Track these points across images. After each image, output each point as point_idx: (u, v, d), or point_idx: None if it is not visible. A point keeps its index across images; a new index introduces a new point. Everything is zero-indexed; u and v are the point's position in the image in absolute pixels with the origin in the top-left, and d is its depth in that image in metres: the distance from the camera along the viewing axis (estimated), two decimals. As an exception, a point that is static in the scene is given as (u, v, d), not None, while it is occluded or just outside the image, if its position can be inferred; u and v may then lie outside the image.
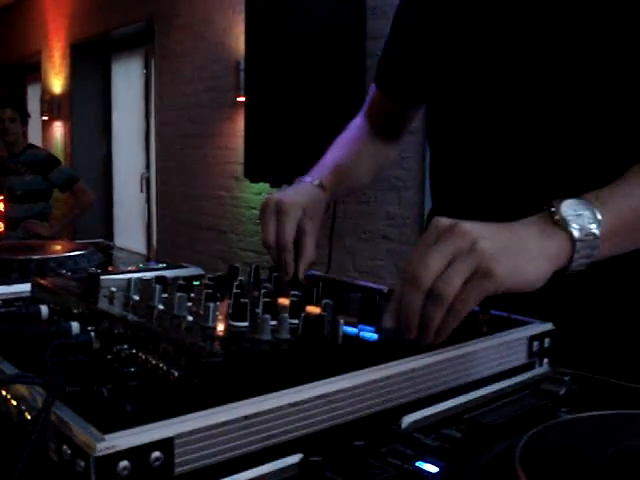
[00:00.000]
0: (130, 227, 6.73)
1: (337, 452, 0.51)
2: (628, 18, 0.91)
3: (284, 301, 0.80)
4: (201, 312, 0.71)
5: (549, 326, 0.83)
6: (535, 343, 0.81)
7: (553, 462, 0.43)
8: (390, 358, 0.67)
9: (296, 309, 0.74)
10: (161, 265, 1.23)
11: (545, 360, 0.82)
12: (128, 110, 6.73)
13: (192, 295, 0.79)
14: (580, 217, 0.74)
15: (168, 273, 0.99)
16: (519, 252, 0.71)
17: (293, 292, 0.83)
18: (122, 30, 6.32)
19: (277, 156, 3.20)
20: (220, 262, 4.84)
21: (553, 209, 0.75)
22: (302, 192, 1.13)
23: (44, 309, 0.80)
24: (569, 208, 0.74)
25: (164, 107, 5.70)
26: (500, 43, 1.02)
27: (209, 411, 0.54)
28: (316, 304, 0.80)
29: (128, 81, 6.74)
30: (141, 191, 6.46)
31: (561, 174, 0.98)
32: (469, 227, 0.71)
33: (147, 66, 6.32)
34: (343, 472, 0.47)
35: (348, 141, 1.34)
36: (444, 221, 0.72)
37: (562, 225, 0.74)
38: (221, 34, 4.84)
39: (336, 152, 1.30)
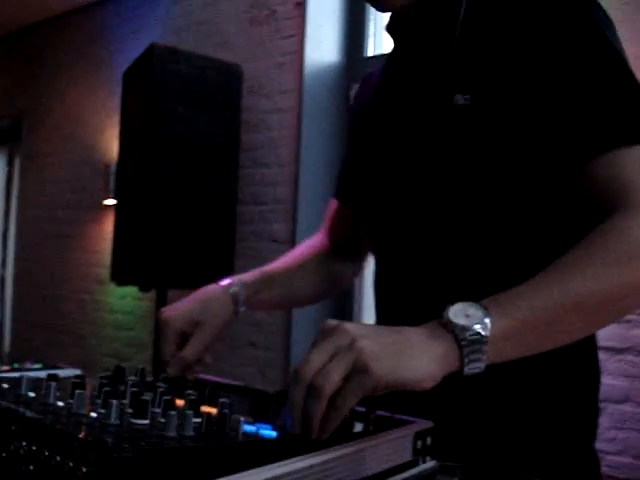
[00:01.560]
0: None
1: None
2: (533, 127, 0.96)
3: (179, 401, 0.81)
4: (101, 410, 0.71)
5: (430, 424, 0.88)
6: (419, 441, 0.85)
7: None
8: (289, 455, 0.69)
9: (195, 407, 0.75)
10: (37, 365, 1.21)
11: (427, 457, 0.86)
12: (-15, 208, 6.48)
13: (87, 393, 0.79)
14: (467, 318, 0.76)
15: (44, 374, 0.97)
16: (401, 351, 0.74)
17: (187, 393, 0.85)
18: (-15, 126, 6.17)
19: (146, 260, 3.18)
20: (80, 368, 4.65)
21: (443, 312, 0.78)
22: (197, 298, 1.16)
23: None
24: (458, 310, 0.77)
25: (26, 206, 5.55)
26: (412, 155, 1.09)
27: (119, 506, 0.54)
28: (210, 404, 0.82)
29: (-13, 178, 6.52)
30: (-6, 292, 6.16)
31: (476, 273, 1.02)
32: (350, 326, 0.74)
33: (10, 163, 6.16)
34: None
35: (293, 253, 1.35)
36: (330, 322, 0.76)
37: (448, 326, 0.76)
38: (92, 136, 4.84)
39: (276, 262, 1.31)
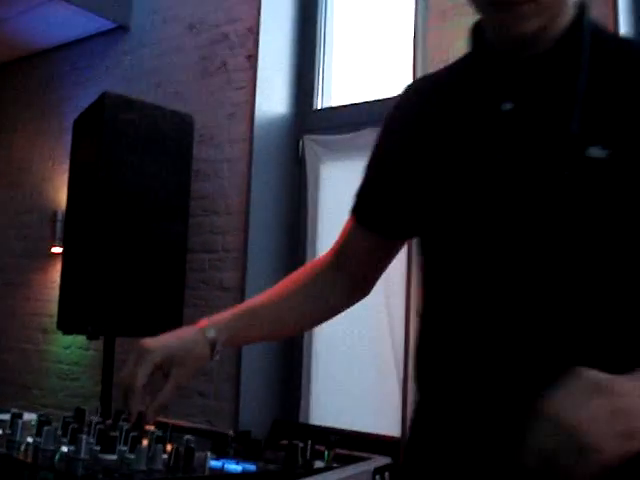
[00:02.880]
0: None
1: None
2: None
3: (145, 440, 0.83)
4: (69, 446, 0.72)
5: (388, 460, 0.91)
6: (377, 476, 0.88)
7: None
8: (255, 488, 0.71)
9: (161, 443, 0.77)
10: (-8, 410, 1.20)
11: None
12: None
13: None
14: None
15: (3, 416, 0.97)
16: None
17: (149, 432, 0.86)
18: None
19: (95, 307, 3.15)
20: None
21: None
22: (176, 337, 1.15)
23: None
24: None
25: (-32, 254, 5.43)
26: (495, 198, 0.98)
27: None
28: (173, 442, 0.83)
29: None
30: None
31: (561, 335, 0.91)
32: (615, 383, 0.72)
33: (-48, 211, 6.05)
34: None
35: (290, 278, 1.27)
36: (591, 376, 0.73)
37: None
38: (39, 184, 4.80)
39: (268, 290, 1.25)
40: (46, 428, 0.73)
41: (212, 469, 0.74)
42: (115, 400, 1.12)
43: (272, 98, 3.59)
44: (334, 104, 3.56)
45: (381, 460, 0.89)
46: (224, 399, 3.44)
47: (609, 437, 0.67)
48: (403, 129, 1.16)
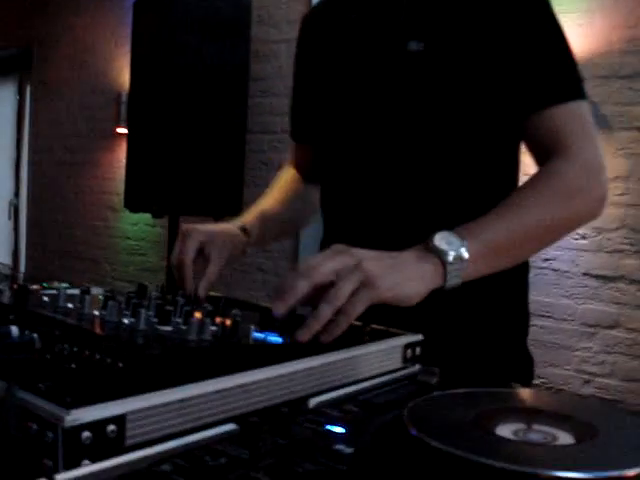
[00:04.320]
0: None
1: (266, 417, 0.64)
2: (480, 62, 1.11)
3: (198, 313, 0.92)
4: (131, 318, 0.82)
5: (419, 337, 0.99)
6: (408, 350, 0.97)
7: (432, 418, 0.58)
8: (293, 357, 0.80)
9: (211, 318, 0.86)
10: (64, 285, 1.32)
11: (417, 365, 0.98)
12: (-3, 135, 6.55)
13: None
14: (450, 244, 0.91)
15: (74, 291, 1.08)
16: (399, 272, 0.88)
17: (204, 306, 0.96)
18: (-5, 54, 6.20)
19: (159, 187, 3.28)
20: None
21: (429, 240, 0.91)
22: (218, 226, 1.26)
23: (-23, 317, 0.88)
24: (442, 238, 0.92)
25: (38, 134, 5.62)
26: (366, 96, 1.20)
27: (152, 394, 0.65)
28: (224, 316, 0.92)
29: (-1, 106, 6.57)
30: (9, 218, 6.29)
31: (429, 200, 1.16)
32: (356, 250, 0.87)
33: (21, 92, 6.21)
34: (273, 432, 0.60)
35: (277, 188, 1.46)
36: (339, 246, 0.88)
37: (435, 251, 0.91)
38: (103, 65, 4.88)
39: (265, 199, 1.42)
40: (110, 303, 0.83)
41: (255, 340, 0.83)
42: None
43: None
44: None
45: (412, 336, 0.97)
46: (283, 275, 3.59)
47: (343, 287, 0.82)
48: (306, 55, 1.39)
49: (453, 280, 0.91)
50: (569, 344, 2.81)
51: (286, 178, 1.49)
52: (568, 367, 2.81)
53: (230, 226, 1.28)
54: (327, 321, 0.83)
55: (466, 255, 0.92)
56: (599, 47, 2.72)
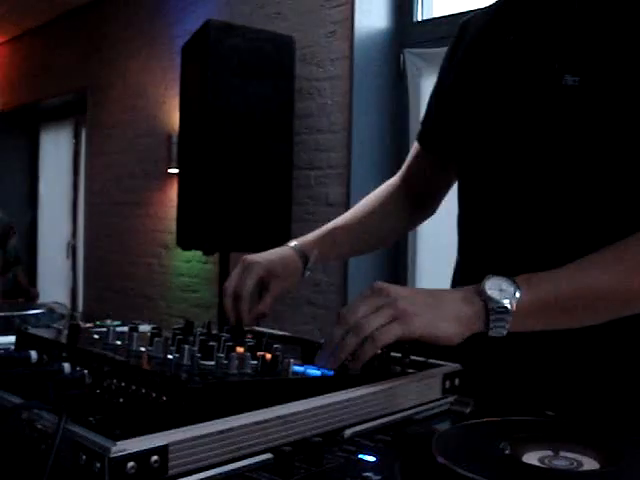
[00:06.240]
0: (55, 293, 6.69)
1: (300, 447, 0.67)
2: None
3: (240, 348, 0.96)
4: (175, 354, 0.86)
5: (458, 367, 1.00)
6: (447, 381, 0.98)
7: (459, 446, 0.60)
8: (331, 390, 0.83)
9: (252, 352, 0.90)
10: (116, 322, 1.37)
11: (455, 396, 0.99)
12: (55, 179, 6.78)
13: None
14: (501, 292, 0.89)
15: (124, 328, 1.13)
16: (436, 311, 0.88)
17: (246, 341, 0.99)
18: (52, 100, 6.43)
19: (210, 225, 3.36)
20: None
21: (481, 282, 0.90)
22: (275, 254, 1.27)
23: (33, 353, 0.93)
24: (494, 283, 0.90)
25: (94, 176, 5.80)
26: (515, 122, 1.15)
27: (193, 426, 0.68)
28: (266, 351, 0.96)
29: (56, 150, 6.81)
30: (67, 258, 6.47)
31: (569, 235, 1.09)
32: (394, 288, 0.89)
33: (77, 136, 6.43)
34: (307, 460, 0.63)
35: (366, 200, 1.43)
36: (378, 283, 0.90)
37: (482, 295, 0.89)
38: (154, 107, 5.02)
39: (344, 215, 1.41)
40: (156, 339, 0.88)
41: (295, 373, 0.86)
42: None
43: (372, 13, 3.59)
44: (435, 14, 3.52)
45: (451, 367, 0.99)
46: (332, 308, 3.62)
47: (372, 319, 0.84)
48: (457, 63, 1.32)
49: (497, 330, 0.89)
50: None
51: (384, 188, 1.44)
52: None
53: (289, 252, 1.28)
54: (353, 350, 0.85)
55: (512, 307, 0.88)
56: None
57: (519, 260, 1.12)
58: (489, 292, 0.89)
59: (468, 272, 1.26)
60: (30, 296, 4.22)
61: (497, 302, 0.88)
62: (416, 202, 1.45)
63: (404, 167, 1.45)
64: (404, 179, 1.45)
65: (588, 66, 1.06)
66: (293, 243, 1.31)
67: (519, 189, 1.14)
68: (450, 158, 1.34)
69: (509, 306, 0.88)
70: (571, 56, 1.08)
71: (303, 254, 1.29)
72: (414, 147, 1.43)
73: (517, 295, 0.89)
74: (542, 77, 1.11)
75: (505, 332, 0.89)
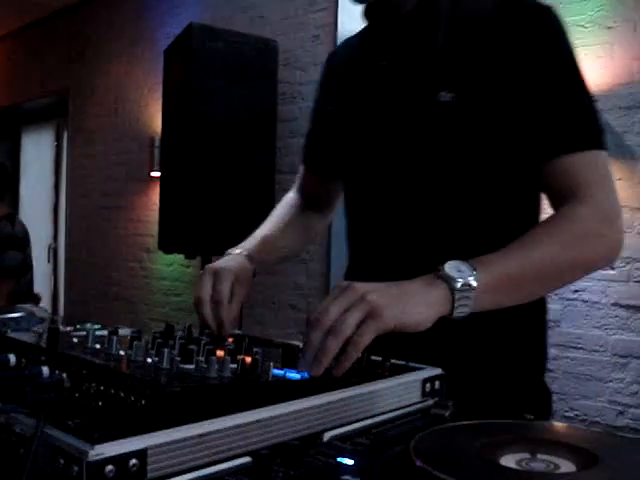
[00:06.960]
0: (35, 297, 6.65)
1: (278, 451, 0.67)
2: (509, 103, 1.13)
3: (220, 351, 0.96)
4: (155, 357, 0.86)
5: (438, 371, 1.01)
6: (427, 384, 0.99)
7: (437, 449, 0.61)
8: (310, 393, 0.83)
9: (232, 356, 0.90)
10: (97, 326, 1.36)
11: (433, 399, 0.99)
12: (36, 182, 6.73)
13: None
14: (460, 272, 0.93)
15: (104, 332, 1.12)
16: (405, 300, 0.90)
17: (226, 344, 0.99)
18: (34, 102, 6.39)
19: (191, 229, 3.35)
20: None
21: (439, 267, 0.94)
22: (232, 261, 1.29)
23: (12, 357, 0.93)
24: (452, 266, 0.94)
25: (75, 179, 5.77)
26: (390, 141, 1.24)
27: (172, 430, 0.68)
28: (245, 354, 0.96)
29: (38, 153, 6.76)
30: (48, 261, 6.43)
31: (452, 237, 1.19)
32: (360, 284, 0.90)
33: (58, 138, 6.39)
34: (285, 464, 0.63)
35: (277, 215, 1.52)
36: (341, 282, 0.92)
37: (444, 278, 0.92)
38: (136, 111, 5.01)
39: (265, 225, 1.48)
40: (136, 343, 0.87)
41: (275, 376, 0.86)
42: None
43: (356, 17, 3.59)
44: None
45: (432, 371, 0.99)
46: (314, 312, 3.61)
47: (347, 320, 0.85)
48: (332, 90, 1.41)
49: (461, 309, 0.93)
50: (601, 375, 2.78)
51: (287, 204, 1.54)
52: (601, 399, 2.77)
53: (242, 259, 1.31)
54: (336, 354, 0.85)
55: (475, 284, 0.93)
56: (620, 78, 2.73)
57: (401, 263, 1.21)
58: (450, 274, 0.93)
59: (357, 276, 1.34)
60: (37, 301, 4.26)
61: (460, 281, 0.92)
62: (314, 209, 1.56)
63: (297, 183, 1.58)
64: (300, 193, 1.57)
65: (463, 82, 1.15)
66: (238, 250, 1.34)
67: (399, 201, 1.24)
68: (333, 177, 1.46)
69: (472, 283, 0.93)
70: (446, 73, 1.16)
71: (253, 260, 1.32)
72: (301, 167, 1.57)
73: (474, 275, 0.93)
74: (417, 95, 1.19)
75: (468, 311, 0.94)
